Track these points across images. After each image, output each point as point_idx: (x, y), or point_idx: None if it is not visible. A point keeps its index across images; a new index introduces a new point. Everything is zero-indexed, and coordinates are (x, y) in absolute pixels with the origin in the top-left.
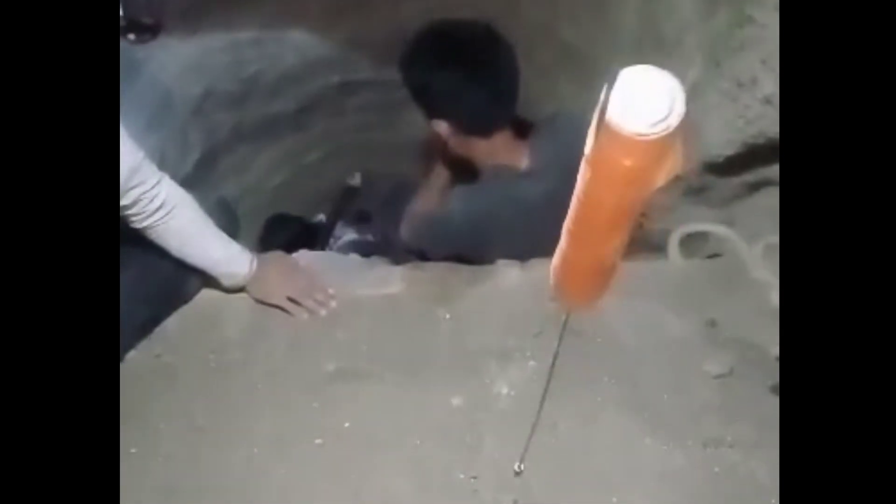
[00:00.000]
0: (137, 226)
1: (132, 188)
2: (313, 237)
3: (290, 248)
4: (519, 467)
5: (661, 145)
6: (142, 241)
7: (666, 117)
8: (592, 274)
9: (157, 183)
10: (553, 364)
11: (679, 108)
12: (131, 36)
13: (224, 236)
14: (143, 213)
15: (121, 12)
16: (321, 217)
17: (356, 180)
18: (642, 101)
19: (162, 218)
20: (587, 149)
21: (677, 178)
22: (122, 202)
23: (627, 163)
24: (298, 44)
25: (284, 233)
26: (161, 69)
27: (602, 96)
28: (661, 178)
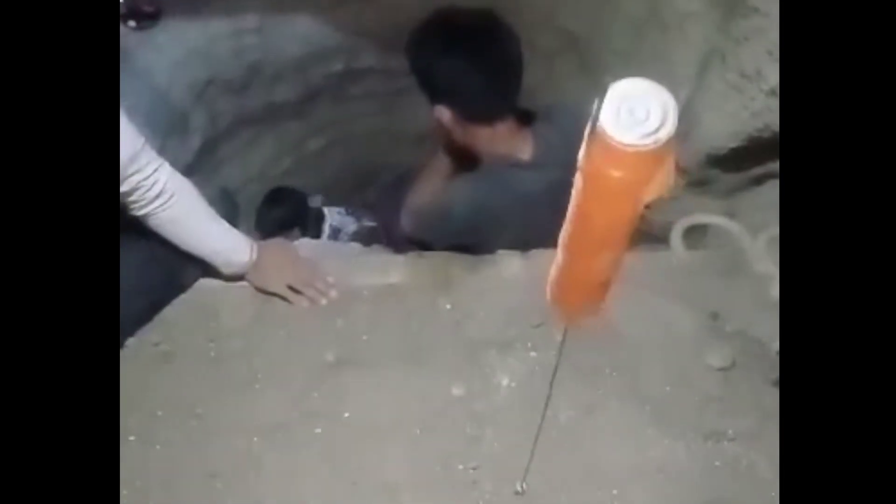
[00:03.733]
0: (137, 213)
1: (132, 175)
2: (308, 217)
3: (285, 223)
4: (521, 487)
5: (652, 158)
6: (141, 229)
7: (657, 130)
8: (585, 287)
9: (157, 170)
10: (553, 377)
11: (671, 122)
12: (132, 23)
13: (224, 224)
14: (143, 200)
15: None
16: (318, 201)
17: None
18: (634, 113)
19: (162, 205)
20: (579, 158)
21: (668, 193)
22: (122, 188)
23: (617, 174)
24: (301, 31)
25: (282, 208)
26: (162, 56)
27: (594, 107)
28: (651, 192)
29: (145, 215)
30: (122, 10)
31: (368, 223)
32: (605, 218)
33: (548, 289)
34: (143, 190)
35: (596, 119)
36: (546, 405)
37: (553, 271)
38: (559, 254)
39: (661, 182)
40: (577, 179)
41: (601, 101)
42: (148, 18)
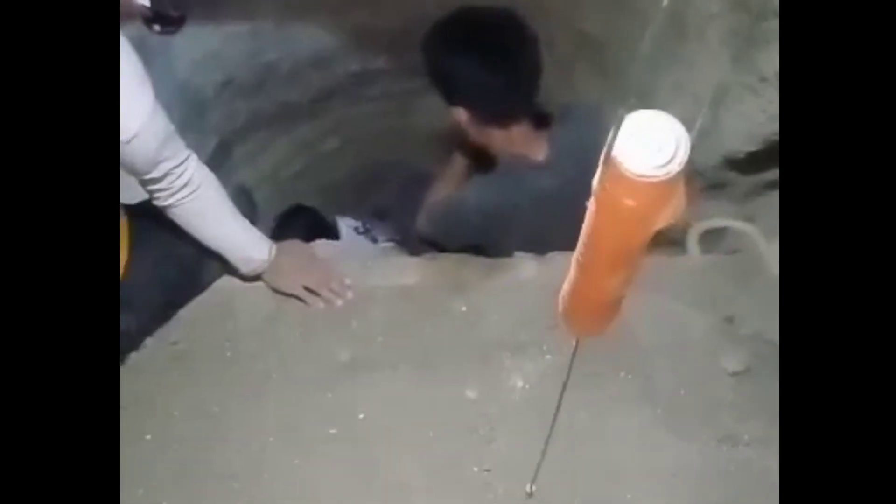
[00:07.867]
0: (162, 203)
1: (162, 161)
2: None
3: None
4: (530, 489)
5: (665, 188)
6: (162, 228)
7: (670, 161)
8: (597, 305)
9: (186, 160)
10: (566, 380)
11: (683, 154)
12: (157, 27)
13: (245, 221)
14: (171, 188)
15: (147, 3)
16: (352, 224)
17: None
18: (648, 144)
19: (187, 196)
20: (593, 185)
21: (679, 220)
22: (152, 174)
23: (630, 203)
24: (316, 33)
25: (299, 226)
26: (180, 56)
27: (609, 137)
28: (663, 220)
29: (170, 206)
30: (149, 14)
31: (385, 243)
32: (618, 243)
33: (560, 302)
34: (172, 178)
35: (611, 149)
36: (558, 408)
37: (566, 286)
38: (572, 271)
39: (673, 210)
40: (591, 204)
41: (616, 132)
42: (173, 24)
